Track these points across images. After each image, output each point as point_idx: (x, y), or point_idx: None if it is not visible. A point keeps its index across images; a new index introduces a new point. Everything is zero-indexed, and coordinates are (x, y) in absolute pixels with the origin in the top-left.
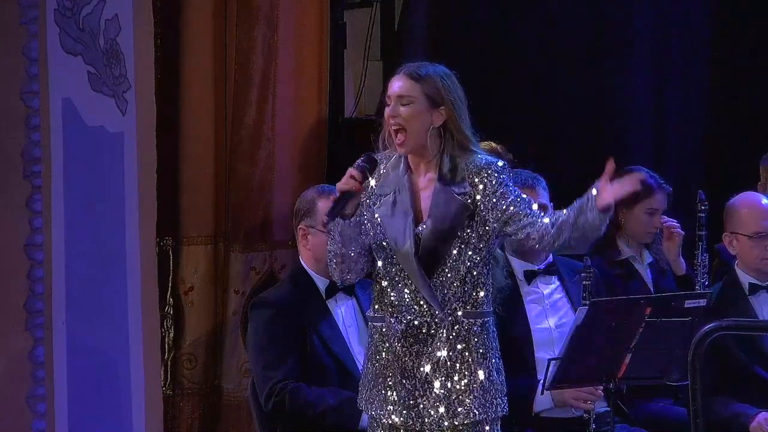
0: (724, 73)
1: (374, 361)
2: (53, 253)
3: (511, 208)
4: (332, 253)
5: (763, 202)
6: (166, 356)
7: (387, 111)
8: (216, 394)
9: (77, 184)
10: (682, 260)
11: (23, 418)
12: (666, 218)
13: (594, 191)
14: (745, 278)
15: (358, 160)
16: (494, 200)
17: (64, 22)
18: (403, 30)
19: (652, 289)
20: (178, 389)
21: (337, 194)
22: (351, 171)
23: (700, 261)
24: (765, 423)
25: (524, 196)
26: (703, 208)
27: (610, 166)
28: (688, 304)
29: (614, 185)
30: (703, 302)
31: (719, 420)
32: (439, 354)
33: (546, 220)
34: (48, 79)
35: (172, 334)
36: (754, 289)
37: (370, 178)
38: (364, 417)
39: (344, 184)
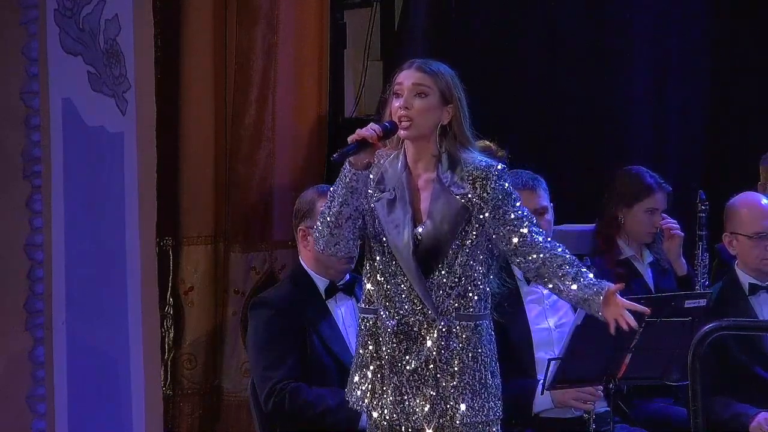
0: (724, 73)
1: (362, 353)
2: (53, 253)
3: (510, 226)
4: (325, 214)
5: (763, 202)
6: (166, 356)
7: (396, 103)
8: (216, 394)
9: (77, 184)
10: (683, 260)
11: (23, 418)
12: (666, 218)
13: (602, 297)
14: (745, 278)
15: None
16: (492, 207)
17: (64, 22)
18: (403, 30)
19: (652, 289)
20: (178, 389)
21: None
22: (373, 125)
23: (700, 261)
24: (765, 423)
25: (526, 212)
26: (703, 208)
27: (618, 286)
28: (688, 304)
29: (617, 308)
30: (703, 302)
31: (719, 420)
32: (428, 353)
33: (543, 256)
34: (48, 79)
35: (172, 334)
36: (754, 289)
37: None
38: (364, 417)
39: (365, 131)
